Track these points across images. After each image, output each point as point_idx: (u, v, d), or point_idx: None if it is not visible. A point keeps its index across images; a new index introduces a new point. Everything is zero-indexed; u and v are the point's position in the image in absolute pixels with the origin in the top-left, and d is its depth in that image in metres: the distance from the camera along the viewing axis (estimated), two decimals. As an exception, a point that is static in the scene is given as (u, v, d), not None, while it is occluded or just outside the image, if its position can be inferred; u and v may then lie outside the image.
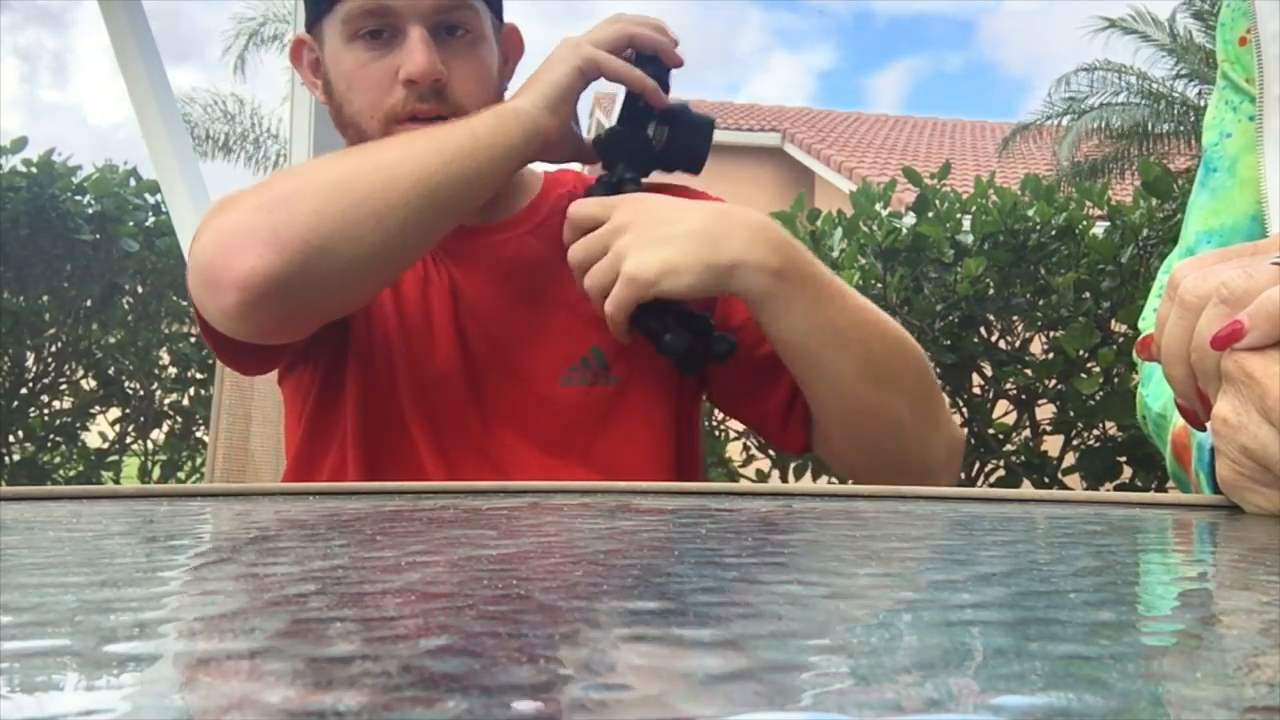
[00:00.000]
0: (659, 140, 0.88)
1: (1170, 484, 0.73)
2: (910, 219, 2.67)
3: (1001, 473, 2.72)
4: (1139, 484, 2.65)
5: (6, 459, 3.32)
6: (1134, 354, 0.81)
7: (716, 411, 2.36)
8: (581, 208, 0.84)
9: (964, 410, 2.73)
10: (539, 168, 0.98)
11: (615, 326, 0.80)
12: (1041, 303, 2.61)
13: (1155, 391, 0.73)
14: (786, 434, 0.93)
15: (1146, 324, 0.80)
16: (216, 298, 0.77)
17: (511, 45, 0.98)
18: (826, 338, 0.81)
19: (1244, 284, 0.45)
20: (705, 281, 0.77)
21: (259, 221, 0.75)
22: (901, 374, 0.86)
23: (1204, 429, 0.53)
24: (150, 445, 3.47)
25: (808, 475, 2.65)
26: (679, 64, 0.89)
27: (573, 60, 0.85)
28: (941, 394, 0.95)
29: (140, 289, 3.32)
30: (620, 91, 0.91)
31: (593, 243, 0.81)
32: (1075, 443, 2.71)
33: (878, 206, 2.68)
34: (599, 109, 10.44)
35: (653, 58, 0.88)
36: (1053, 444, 2.74)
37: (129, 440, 3.44)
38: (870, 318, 0.85)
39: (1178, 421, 0.67)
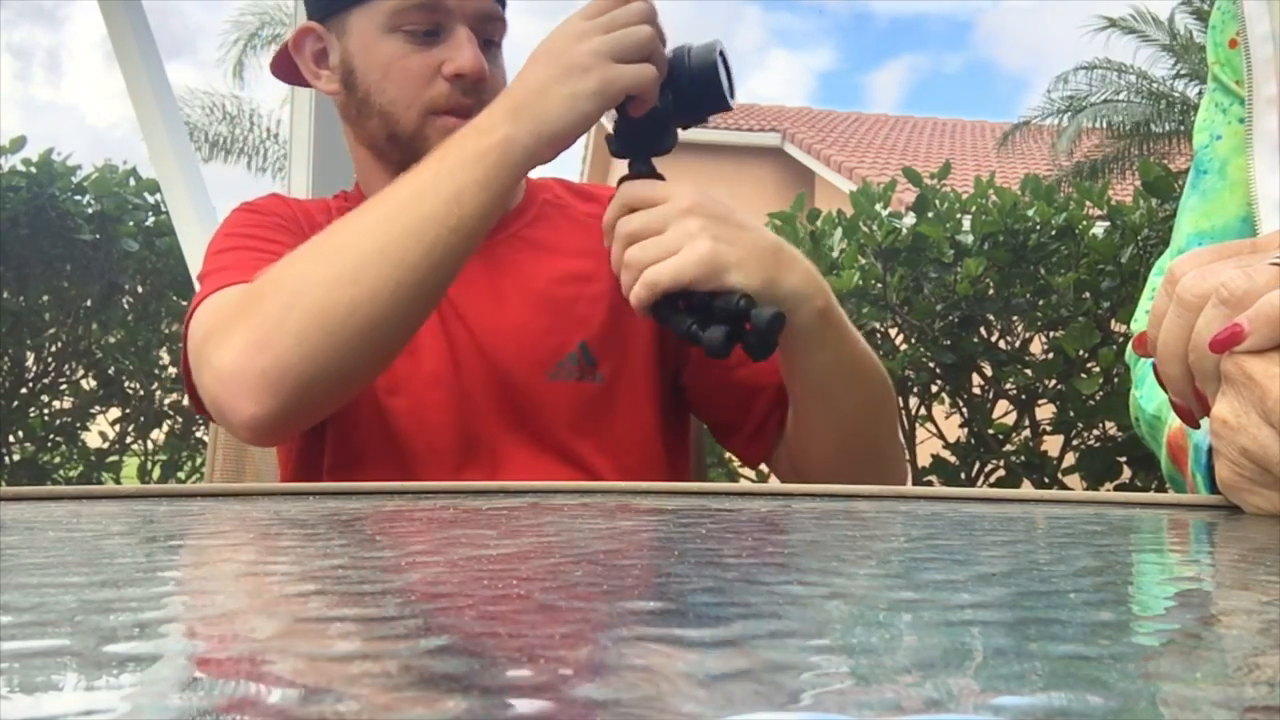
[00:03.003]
0: (666, 108, 0.79)
1: (1169, 484, 0.73)
2: (910, 219, 2.67)
3: (1001, 473, 2.72)
4: (1139, 484, 2.65)
5: (6, 459, 3.32)
6: (1127, 353, 0.81)
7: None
8: (636, 189, 0.78)
9: (964, 410, 2.73)
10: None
11: (641, 301, 0.76)
12: (1041, 303, 2.61)
13: (1149, 394, 0.73)
14: (752, 447, 0.96)
15: (1139, 325, 0.80)
16: (231, 429, 0.80)
17: None
18: (844, 375, 0.83)
19: (1244, 285, 0.45)
20: (763, 295, 0.76)
21: (249, 366, 0.74)
22: (887, 408, 0.89)
23: (1198, 426, 0.53)
24: (150, 445, 3.47)
25: (808, 475, 2.65)
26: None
27: (599, 98, 0.75)
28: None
29: (140, 289, 3.32)
30: None
31: (651, 218, 0.76)
32: (1075, 443, 2.71)
33: (878, 206, 2.68)
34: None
35: None
36: (1053, 444, 2.74)
37: (129, 440, 3.44)
38: (870, 356, 0.87)
39: (1173, 423, 0.67)
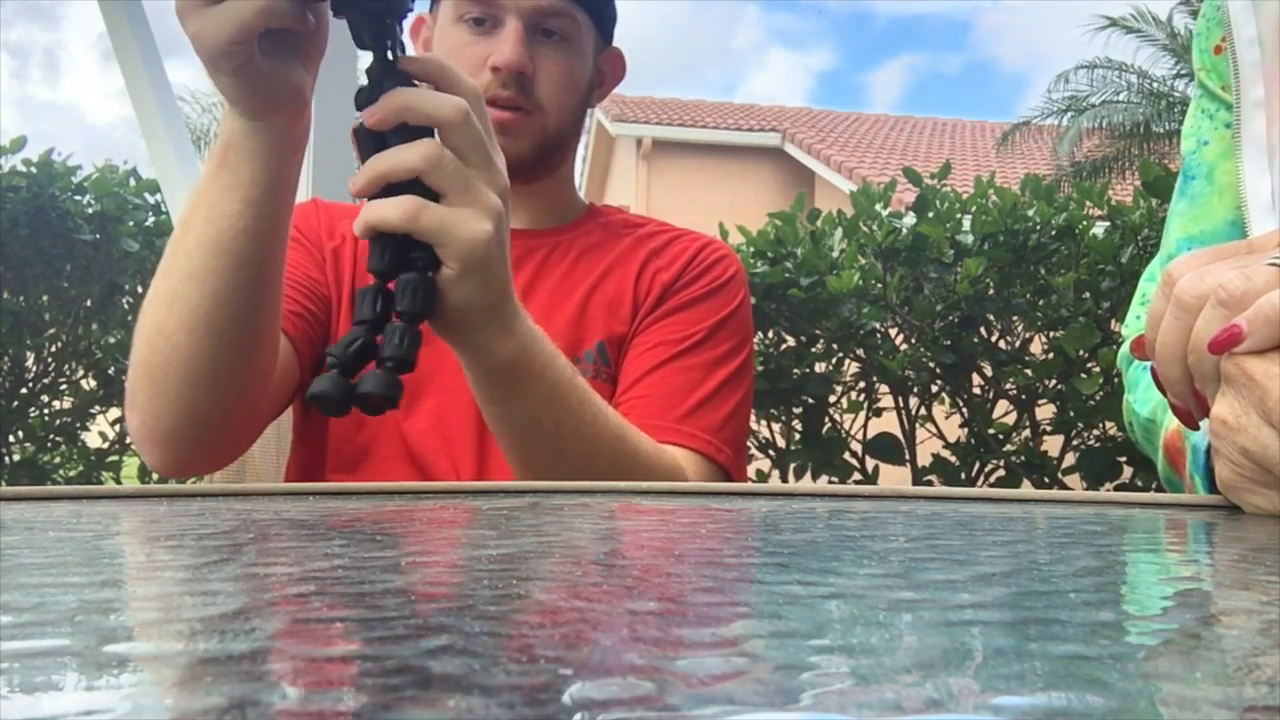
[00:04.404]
0: None
1: (1165, 487, 0.73)
2: (910, 219, 2.67)
3: (1001, 473, 2.72)
4: (1139, 484, 2.65)
5: (6, 459, 3.32)
6: (1119, 357, 0.81)
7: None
8: (474, 99, 0.64)
9: (964, 410, 2.73)
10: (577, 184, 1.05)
11: (362, 233, 0.64)
12: (1041, 303, 2.61)
13: (1142, 398, 0.73)
14: None
15: (1130, 330, 0.80)
16: None
17: (611, 67, 1.04)
18: (532, 429, 0.73)
19: (1242, 286, 0.45)
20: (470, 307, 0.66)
21: (130, 422, 0.76)
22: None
23: (1197, 428, 0.53)
24: (150, 445, 3.46)
25: (808, 475, 2.65)
26: None
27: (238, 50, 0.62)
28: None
29: (140, 289, 3.32)
30: None
31: (484, 141, 0.64)
32: (1075, 443, 2.71)
33: (878, 206, 2.68)
34: None
35: None
36: (1053, 444, 2.74)
37: (129, 440, 3.43)
38: (597, 443, 0.75)
39: (1170, 425, 0.67)
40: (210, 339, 0.70)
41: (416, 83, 0.65)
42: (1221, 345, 0.45)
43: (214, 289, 0.69)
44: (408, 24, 1.01)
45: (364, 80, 0.64)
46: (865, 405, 2.75)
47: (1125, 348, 0.80)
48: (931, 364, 2.65)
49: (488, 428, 0.89)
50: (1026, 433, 2.73)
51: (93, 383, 3.38)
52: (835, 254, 2.64)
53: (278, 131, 0.66)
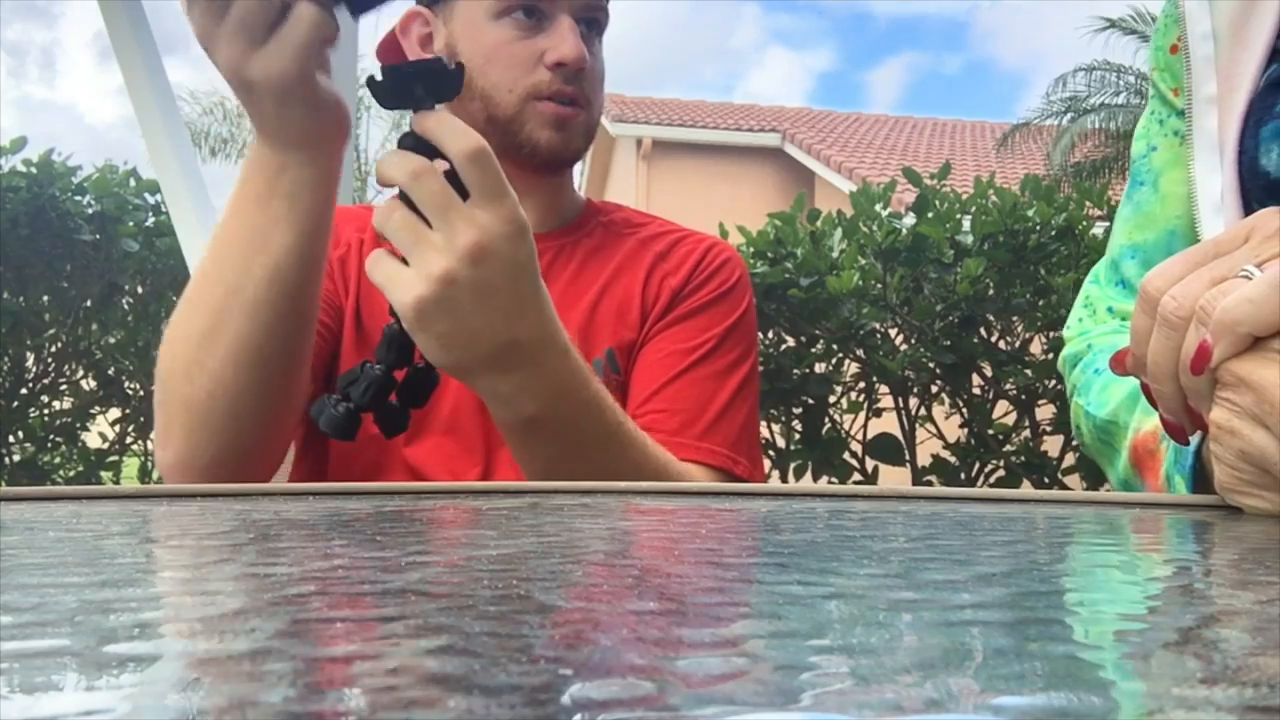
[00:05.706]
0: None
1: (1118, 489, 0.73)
2: (910, 219, 2.67)
3: (1001, 473, 2.72)
4: (1139, 484, 2.65)
5: (6, 459, 3.31)
6: (1060, 362, 0.81)
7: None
8: (432, 186, 0.61)
9: (964, 410, 2.73)
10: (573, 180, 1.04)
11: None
12: (1041, 303, 2.61)
13: (1098, 400, 0.73)
14: None
15: (1073, 333, 0.80)
16: None
17: None
18: (553, 470, 0.71)
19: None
20: (448, 371, 0.66)
21: (163, 459, 0.74)
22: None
23: (1188, 443, 0.53)
24: (150, 445, 3.47)
25: (808, 475, 2.65)
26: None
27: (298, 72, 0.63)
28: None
29: (140, 289, 3.32)
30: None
31: (436, 201, 0.61)
32: (1075, 443, 2.71)
33: (878, 207, 2.68)
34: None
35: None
36: (1053, 444, 2.74)
37: (129, 440, 3.43)
38: (633, 474, 0.74)
39: (1143, 426, 0.67)
40: (259, 370, 0.70)
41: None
42: (1200, 364, 0.46)
43: (266, 319, 0.69)
44: (396, 20, 1.00)
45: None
46: (865, 406, 2.75)
47: (1066, 351, 0.80)
48: (931, 364, 2.64)
49: (492, 463, 0.89)
50: (1026, 433, 2.73)
51: (93, 383, 3.38)
52: (835, 254, 2.64)
53: (333, 156, 0.67)
